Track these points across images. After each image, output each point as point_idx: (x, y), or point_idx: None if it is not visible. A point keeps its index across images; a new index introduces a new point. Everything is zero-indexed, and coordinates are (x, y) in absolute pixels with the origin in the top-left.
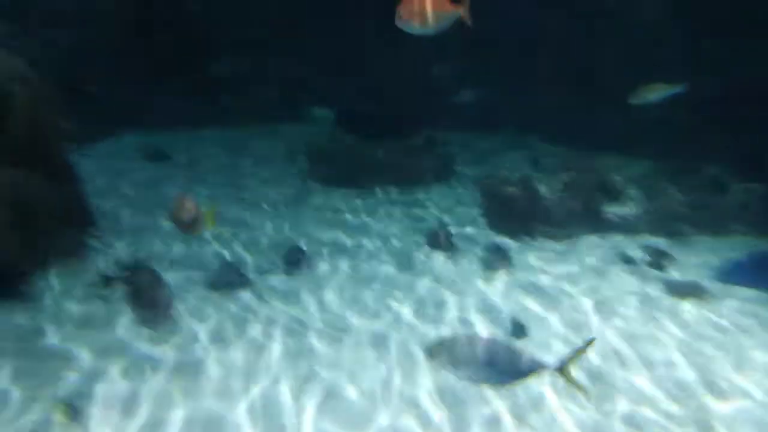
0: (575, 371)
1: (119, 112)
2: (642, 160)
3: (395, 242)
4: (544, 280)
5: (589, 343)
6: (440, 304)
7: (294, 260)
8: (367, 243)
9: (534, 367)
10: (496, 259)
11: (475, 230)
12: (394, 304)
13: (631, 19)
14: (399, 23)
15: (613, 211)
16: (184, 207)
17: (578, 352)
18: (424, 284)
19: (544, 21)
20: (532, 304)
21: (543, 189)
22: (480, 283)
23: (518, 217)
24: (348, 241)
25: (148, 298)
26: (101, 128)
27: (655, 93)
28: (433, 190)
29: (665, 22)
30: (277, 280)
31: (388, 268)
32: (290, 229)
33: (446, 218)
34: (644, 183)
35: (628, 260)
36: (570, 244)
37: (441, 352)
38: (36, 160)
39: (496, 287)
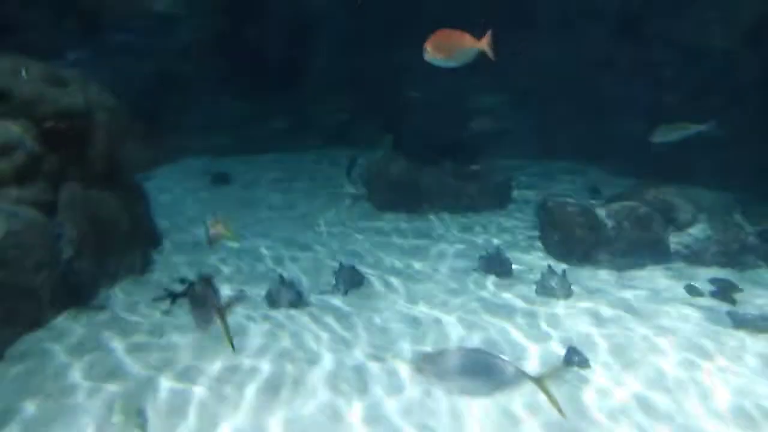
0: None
1: (188, 137)
2: (708, 190)
3: (450, 265)
4: (605, 309)
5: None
6: (491, 329)
7: (349, 281)
8: (421, 266)
9: (515, 379)
10: (554, 285)
11: (533, 256)
12: (448, 329)
13: (699, 48)
14: (426, 57)
15: (679, 240)
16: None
17: (557, 369)
18: (476, 308)
19: (611, 50)
20: (592, 333)
21: (604, 216)
22: (537, 310)
23: (579, 244)
24: (402, 264)
25: (207, 312)
26: (172, 151)
27: (677, 132)
28: (490, 215)
29: (736, 51)
30: (333, 299)
31: (440, 292)
32: (345, 250)
33: (502, 243)
34: (711, 213)
35: (694, 292)
36: (633, 274)
37: (427, 364)
38: (111, 182)
39: (554, 314)
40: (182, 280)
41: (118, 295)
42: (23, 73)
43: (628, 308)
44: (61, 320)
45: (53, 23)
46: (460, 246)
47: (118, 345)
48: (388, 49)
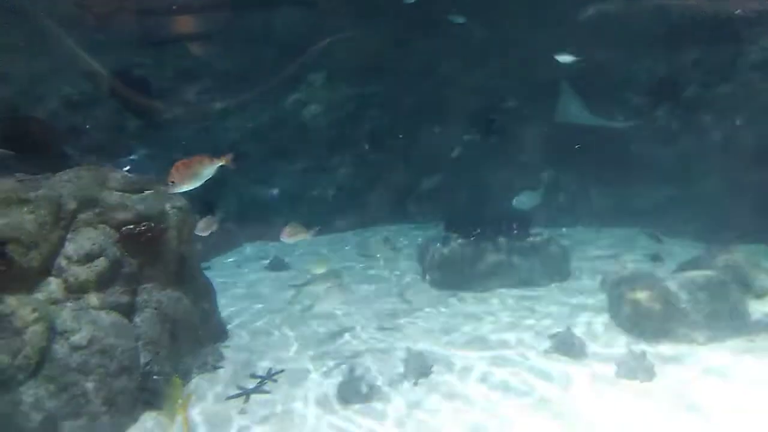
0: None
1: (244, 228)
2: None
3: (514, 345)
4: (695, 394)
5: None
6: (571, 416)
7: (419, 368)
8: (486, 351)
9: None
10: (633, 366)
11: (604, 334)
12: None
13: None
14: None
15: (761, 309)
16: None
17: None
18: (548, 392)
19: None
20: (686, 423)
21: (677, 288)
22: (619, 395)
23: (652, 320)
24: (468, 348)
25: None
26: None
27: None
28: (549, 290)
29: None
30: (406, 390)
31: (508, 377)
32: (408, 336)
33: (571, 320)
34: None
35: None
36: (714, 349)
37: None
38: (182, 279)
39: (639, 400)
40: (253, 376)
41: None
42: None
43: (720, 389)
44: (142, 424)
45: (116, 124)
46: (526, 324)
47: None
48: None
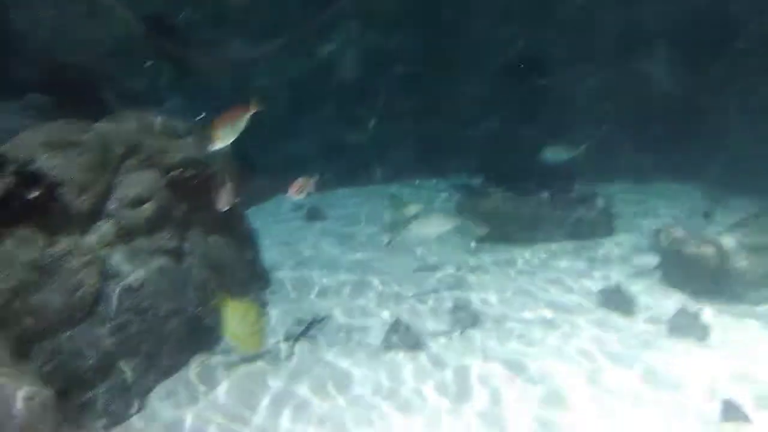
0: None
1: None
2: None
3: (561, 301)
4: (751, 353)
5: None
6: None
7: (463, 319)
8: (532, 308)
9: None
10: (685, 324)
11: (653, 289)
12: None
13: None
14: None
15: None
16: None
17: None
18: (597, 350)
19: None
20: (741, 377)
21: (732, 246)
22: (669, 355)
23: (706, 278)
24: (512, 305)
25: None
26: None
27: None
28: (594, 244)
29: None
30: (446, 341)
31: (553, 335)
32: (454, 287)
33: (616, 274)
34: None
35: None
36: None
37: None
38: (227, 226)
39: (691, 360)
40: (299, 321)
41: None
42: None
43: None
44: (193, 367)
45: (149, 72)
46: (572, 279)
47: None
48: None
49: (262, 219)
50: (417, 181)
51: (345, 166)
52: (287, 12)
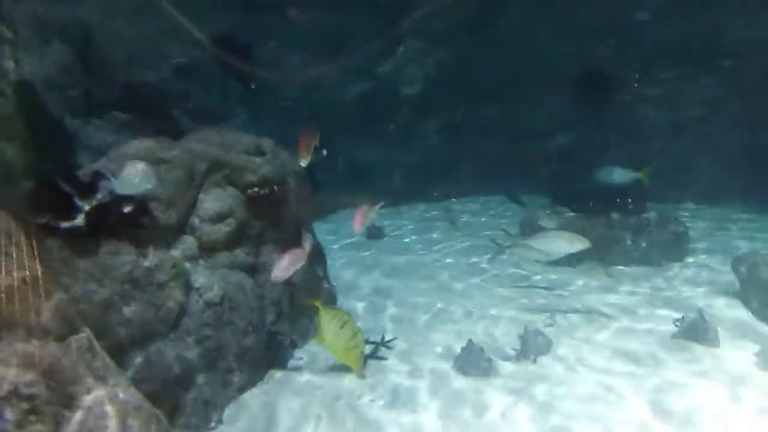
0: None
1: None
2: None
3: (639, 330)
4: None
5: None
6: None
7: (535, 344)
8: (609, 328)
9: None
10: None
11: (741, 319)
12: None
13: None
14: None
15: None
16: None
17: None
18: (679, 379)
19: None
20: None
21: None
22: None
23: None
24: (587, 331)
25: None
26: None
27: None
28: (667, 270)
29: None
30: (515, 366)
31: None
32: (518, 312)
33: (696, 304)
34: None
35: None
36: None
37: None
38: (299, 244)
39: None
40: (367, 341)
41: (306, 356)
42: None
43: None
44: (267, 382)
45: (220, 89)
46: (645, 308)
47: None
48: None
49: (322, 236)
50: (482, 199)
51: (407, 183)
52: (352, 30)
